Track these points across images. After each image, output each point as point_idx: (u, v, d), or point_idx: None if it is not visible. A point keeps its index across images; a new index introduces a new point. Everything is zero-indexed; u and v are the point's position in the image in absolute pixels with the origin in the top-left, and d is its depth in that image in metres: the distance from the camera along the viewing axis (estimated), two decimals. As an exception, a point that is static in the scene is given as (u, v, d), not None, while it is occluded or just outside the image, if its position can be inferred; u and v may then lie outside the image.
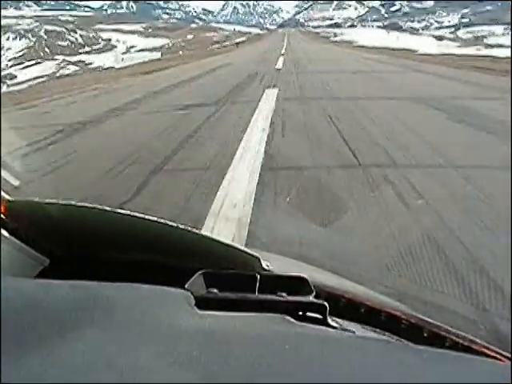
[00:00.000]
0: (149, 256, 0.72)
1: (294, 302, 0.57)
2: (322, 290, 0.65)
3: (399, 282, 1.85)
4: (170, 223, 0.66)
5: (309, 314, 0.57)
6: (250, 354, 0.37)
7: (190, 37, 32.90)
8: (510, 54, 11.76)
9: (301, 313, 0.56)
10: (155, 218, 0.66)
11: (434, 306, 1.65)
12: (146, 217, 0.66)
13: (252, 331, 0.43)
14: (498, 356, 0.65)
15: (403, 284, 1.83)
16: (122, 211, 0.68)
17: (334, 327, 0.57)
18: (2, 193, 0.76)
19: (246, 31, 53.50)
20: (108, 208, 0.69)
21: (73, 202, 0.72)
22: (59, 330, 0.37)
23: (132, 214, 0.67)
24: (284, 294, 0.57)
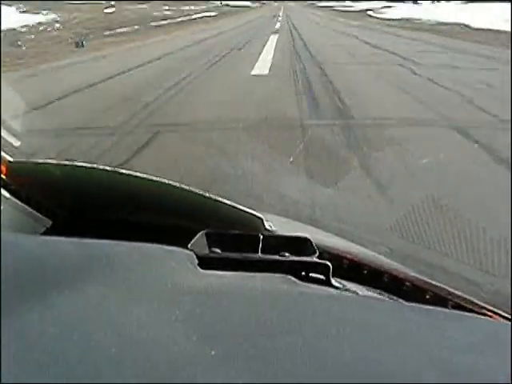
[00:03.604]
0: (152, 216, 0.72)
1: (297, 262, 0.56)
2: (324, 251, 0.65)
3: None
4: (174, 183, 0.65)
5: (312, 274, 0.57)
6: (252, 313, 0.37)
7: (108, 11, 22.06)
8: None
9: (304, 273, 0.56)
10: (158, 179, 0.66)
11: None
12: (149, 177, 0.66)
13: (254, 291, 0.43)
14: (498, 317, 0.66)
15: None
16: (124, 171, 0.67)
17: (336, 288, 0.57)
18: (3, 153, 0.75)
19: (235, 5, 41.60)
20: (109, 168, 0.68)
21: (74, 163, 0.71)
22: (59, 286, 0.36)
23: (135, 174, 0.66)
24: (287, 254, 0.57)
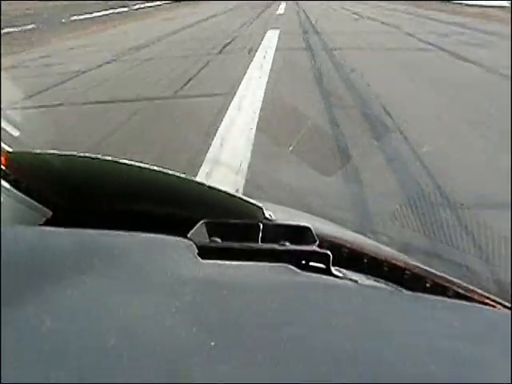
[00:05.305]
0: (151, 206, 0.72)
1: (297, 251, 0.56)
2: (325, 240, 0.64)
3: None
4: (173, 173, 0.65)
5: (312, 263, 0.57)
6: (252, 302, 0.37)
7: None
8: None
9: (304, 262, 0.56)
10: (158, 168, 0.65)
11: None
12: (149, 166, 0.65)
13: (255, 280, 0.43)
14: (498, 305, 0.66)
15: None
16: (124, 161, 0.67)
17: (336, 276, 0.57)
18: (2, 144, 0.75)
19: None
20: (110, 158, 0.68)
21: (74, 153, 0.70)
22: (57, 277, 0.36)
23: (134, 163, 0.66)
24: (287, 244, 0.57)
